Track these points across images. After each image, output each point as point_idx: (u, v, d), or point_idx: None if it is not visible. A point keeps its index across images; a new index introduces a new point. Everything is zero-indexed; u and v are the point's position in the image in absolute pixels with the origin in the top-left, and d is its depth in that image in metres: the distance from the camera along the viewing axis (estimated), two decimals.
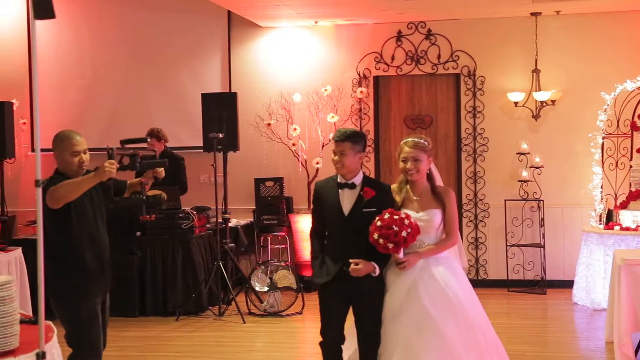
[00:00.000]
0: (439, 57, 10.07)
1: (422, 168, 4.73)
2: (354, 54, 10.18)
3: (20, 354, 3.05)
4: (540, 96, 9.74)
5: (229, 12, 10.09)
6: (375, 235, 4.44)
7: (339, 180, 4.69)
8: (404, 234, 4.43)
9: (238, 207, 10.02)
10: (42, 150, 3.35)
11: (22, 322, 3.24)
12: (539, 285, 9.66)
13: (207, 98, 9.14)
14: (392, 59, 10.14)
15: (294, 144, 9.88)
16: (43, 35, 10.30)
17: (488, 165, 10.02)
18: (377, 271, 4.57)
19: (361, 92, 10.00)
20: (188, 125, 10.13)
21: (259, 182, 9.85)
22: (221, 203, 8.89)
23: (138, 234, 8.68)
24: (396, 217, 4.45)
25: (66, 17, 10.31)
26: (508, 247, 9.84)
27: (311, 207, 5.16)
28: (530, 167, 9.65)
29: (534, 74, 9.79)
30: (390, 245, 4.43)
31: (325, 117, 9.93)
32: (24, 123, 10.25)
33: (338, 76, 10.15)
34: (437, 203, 4.74)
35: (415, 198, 4.76)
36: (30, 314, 4.37)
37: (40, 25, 3.20)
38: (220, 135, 8.60)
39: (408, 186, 4.80)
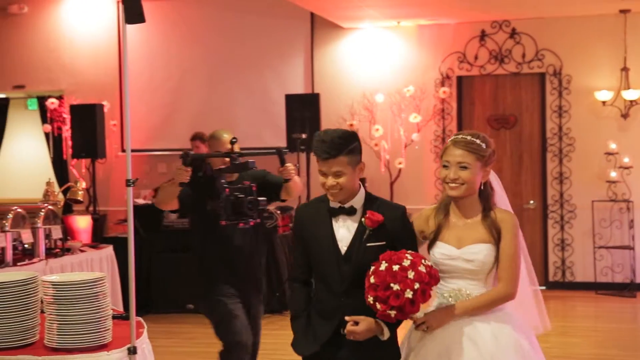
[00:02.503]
0: (523, 56, 9.93)
1: (472, 180, 3.27)
2: (437, 54, 10.12)
3: (112, 349, 3.15)
4: (629, 95, 9.50)
5: (312, 14, 10.17)
6: (370, 299, 3.09)
7: (331, 205, 3.33)
8: (409, 294, 3.02)
9: None
10: (133, 150, 3.47)
11: (114, 317, 3.35)
12: (628, 289, 9.41)
13: (290, 99, 9.24)
14: (476, 58, 10.04)
15: (376, 145, 9.89)
16: (133, 39, 10.57)
17: (574, 166, 9.83)
18: (386, 334, 3.23)
19: (444, 92, 9.94)
20: (272, 126, 10.25)
21: None
22: None
23: None
24: (396, 266, 3.05)
25: (154, 21, 10.56)
26: (596, 249, 9.62)
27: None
28: (619, 167, 9.42)
29: (623, 72, 9.55)
30: (392, 313, 3.06)
31: (408, 117, 9.91)
32: (114, 124, 10.54)
33: (420, 76, 10.11)
34: (489, 234, 3.26)
35: (458, 224, 3.34)
36: (121, 310, 4.51)
37: (130, 29, 3.30)
38: (304, 136, 8.69)
39: (452, 205, 3.38)
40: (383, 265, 3.08)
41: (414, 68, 10.16)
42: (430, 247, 3.37)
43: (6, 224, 5.84)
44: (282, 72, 10.45)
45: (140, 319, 3.53)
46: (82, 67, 10.80)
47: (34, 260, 6.10)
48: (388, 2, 8.85)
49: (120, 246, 7.69)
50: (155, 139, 10.43)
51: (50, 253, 6.41)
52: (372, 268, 3.12)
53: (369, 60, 10.29)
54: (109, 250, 7.35)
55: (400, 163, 9.84)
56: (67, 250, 6.71)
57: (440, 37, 10.12)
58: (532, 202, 9.97)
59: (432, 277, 3.10)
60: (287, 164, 4.73)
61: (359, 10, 9.14)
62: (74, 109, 9.94)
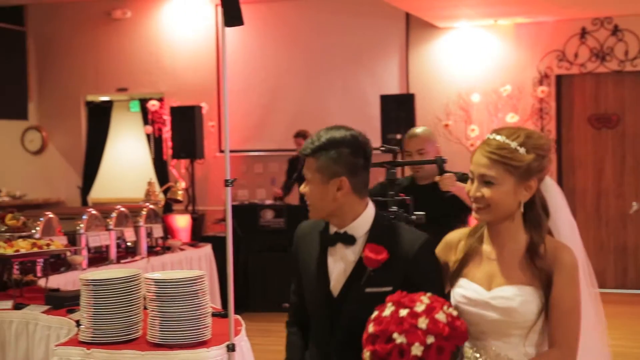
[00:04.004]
0: (626, 53, 9.63)
1: (500, 200, 2.37)
2: (535, 53, 9.92)
3: (212, 346, 3.22)
4: None
5: (407, 14, 10.12)
6: (367, 355, 2.26)
7: (329, 230, 2.61)
8: (417, 350, 2.18)
9: None
10: (230, 151, 3.53)
11: (213, 315, 3.42)
12: None
13: (385, 99, 9.23)
14: (576, 56, 9.80)
15: (472, 145, 9.77)
16: (230, 41, 10.74)
17: None
18: None
19: (542, 91, 9.74)
20: (367, 126, 10.16)
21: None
22: None
23: None
24: (404, 311, 2.22)
25: (251, 23, 10.71)
26: None
27: None
28: None
29: None
30: None
31: (505, 117, 9.75)
32: (212, 126, 10.74)
33: (518, 75, 9.93)
34: (534, 275, 2.37)
35: (491, 257, 2.45)
36: (220, 308, 4.60)
37: (228, 32, 3.37)
38: (399, 136, 8.67)
39: (485, 231, 2.49)
40: (388, 310, 2.21)
41: (511, 67, 9.99)
42: (450, 284, 2.47)
43: (110, 223, 6.03)
44: (377, 72, 10.45)
45: (238, 316, 3.59)
46: (182, 69, 11.05)
47: (136, 258, 6.28)
48: (485, 1, 8.73)
49: (218, 245, 7.85)
50: (252, 140, 10.59)
51: (152, 251, 6.59)
52: (375, 314, 2.26)
53: (465, 59, 10.17)
54: (207, 249, 7.50)
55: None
56: (167, 249, 6.89)
57: (538, 35, 9.92)
58: (635, 204, 9.66)
59: (455, 331, 2.22)
60: (445, 174, 4.24)
61: (455, 9, 9.05)
62: (174, 110, 10.20)
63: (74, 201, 11.45)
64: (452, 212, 4.30)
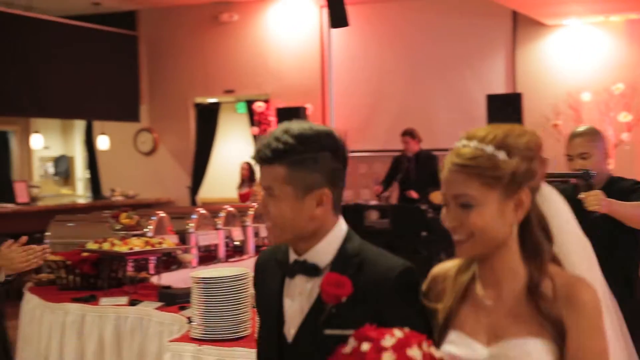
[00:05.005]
0: None
1: (485, 225, 1.79)
2: None
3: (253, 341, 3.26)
4: None
5: (513, 12, 9.96)
6: None
7: (285, 255, 2.04)
8: None
9: None
10: None
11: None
12: None
13: (492, 99, 9.11)
14: None
15: None
16: (334, 42, 10.83)
17: None
18: None
19: None
20: (472, 126, 10.00)
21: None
22: None
23: (424, 233, 8.85)
24: (366, 345, 1.67)
25: (355, 24, 10.74)
26: None
27: None
28: None
29: None
30: None
31: (617, 116, 9.46)
32: None
33: (630, 73, 9.61)
34: (540, 322, 1.79)
35: (486, 301, 1.86)
36: None
37: (332, 33, 3.41)
38: None
39: (477, 267, 1.90)
40: (349, 346, 1.69)
41: (624, 65, 9.68)
42: (438, 339, 1.88)
43: (218, 222, 6.16)
44: (482, 71, 10.31)
45: None
46: (287, 71, 11.19)
47: (244, 257, 6.38)
48: None
49: None
50: (356, 140, 10.62)
51: (259, 250, 6.68)
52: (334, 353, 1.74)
53: (574, 57, 9.92)
54: None
55: (609, 164, 9.41)
56: None
57: None
58: None
59: None
60: (591, 192, 3.52)
61: (564, 6, 8.84)
62: (280, 111, 10.35)
63: (183, 201, 11.77)
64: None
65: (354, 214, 8.85)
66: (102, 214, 6.19)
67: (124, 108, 11.68)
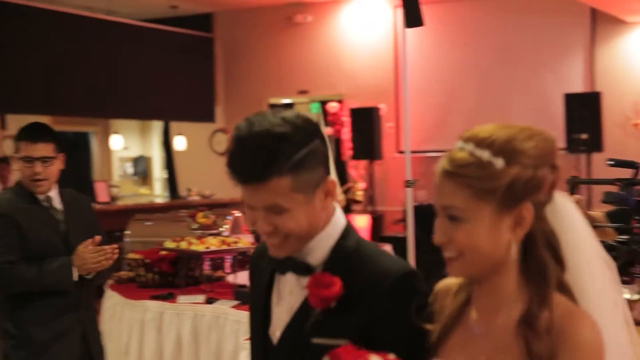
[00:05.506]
0: None
1: (476, 244, 1.52)
2: None
3: None
4: None
5: (591, 9, 9.75)
6: None
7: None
8: None
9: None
10: (411, 152, 3.54)
11: None
12: None
13: (569, 99, 8.95)
14: None
15: None
16: (408, 42, 10.77)
17: None
18: None
19: None
20: (549, 126, 9.68)
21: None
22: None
23: None
24: None
25: (428, 24, 10.68)
26: None
27: None
28: None
29: None
30: None
31: None
32: (391, 127, 10.80)
33: None
34: (523, 354, 1.48)
35: (476, 330, 1.58)
36: None
37: (407, 33, 3.40)
38: (584, 136, 8.38)
39: (474, 289, 1.63)
40: None
41: None
42: None
43: None
44: (559, 70, 10.12)
45: None
46: (360, 71, 11.19)
47: None
48: None
49: (397, 245, 7.89)
50: (429, 140, 10.56)
51: None
52: None
53: None
54: (387, 249, 7.54)
55: None
56: None
57: None
58: None
59: None
60: None
61: None
62: (353, 112, 10.37)
63: None
64: None
65: (428, 214, 8.77)
66: (179, 213, 6.31)
67: (200, 109, 11.87)
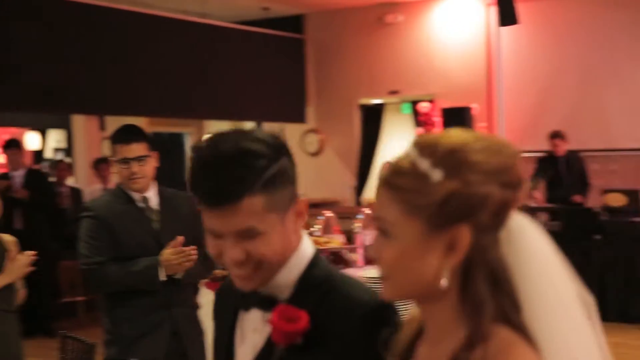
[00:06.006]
0: None
1: (401, 266, 1.33)
2: None
3: None
4: None
5: None
6: None
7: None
8: None
9: None
10: None
11: None
12: None
13: None
14: None
15: None
16: (502, 41, 10.60)
17: None
18: None
19: None
20: None
21: None
22: None
23: (597, 237, 8.50)
24: None
25: (523, 22, 10.49)
26: None
27: None
28: None
29: None
30: None
31: None
32: (483, 127, 10.64)
33: None
34: None
35: (427, 354, 1.38)
36: None
37: (501, 31, 3.34)
38: None
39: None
40: None
41: None
42: None
43: None
44: None
45: None
46: (452, 71, 11.07)
47: None
48: None
49: None
50: (523, 140, 10.36)
51: None
52: None
53: None
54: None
55: None
56: None
57: None
58: None
59: None
60: None
61: None
62: (445, 112, 10.26)
63: (348, 201, 11.90)
64: None
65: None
66: None
67: (291, 110, 11.96)
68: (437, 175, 1.28)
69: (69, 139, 12.36)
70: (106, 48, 9.05)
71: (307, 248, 1.62)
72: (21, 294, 4.12)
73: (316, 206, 9.42)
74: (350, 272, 5.23)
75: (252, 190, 1.46)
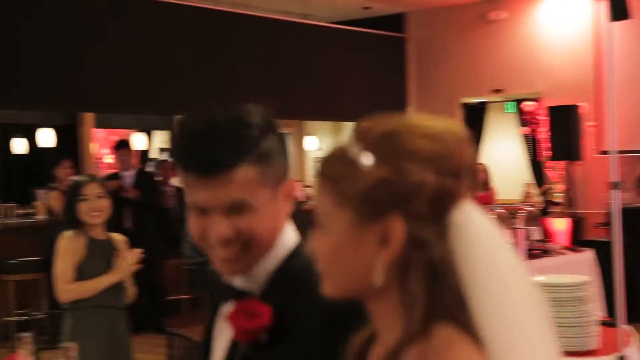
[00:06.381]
0: None
1: (334, 260, 1.21)
2: None
3: (600, 355, 3.10)
4: None
5: None
6: None
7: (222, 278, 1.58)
8: None
9: None
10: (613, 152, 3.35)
11: (602, 324, 3.29)
12: None
13: None
14: None
15: None
16: (608, 37, 10.26)
17: None
18: None
19: None
20: None
21: None
22: None
23: None
24: None
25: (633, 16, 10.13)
26: None
27: None
28: None
29: None
30: None
31: None
32: (591, 126, 10.33)
33: None
34: None
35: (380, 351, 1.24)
36: (605, 316, 4.41)
37: (610, 27, 3.22)
38: None
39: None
40: None
41: None
42: None
43: (517, 223, 6.09)
44: None
45: (628, 326, 3.41)
46: (558, 68, 10.79)
47: None
48: None
49: (599, 250, 7.51)
50: (634, 139, 10.00)
51: (530, 254, 6.51)
52: None
53: None
54: (588, 254, 7.20)
55: None
56: (546, 252, 6.76)
57: None
58: None
59: None
60: None
61: None
62: (552, 110, 10.01)
63: None
64: None
65: (634, 217, 8.34)
66: None
67: (392, 109, 11.70)
68: (366, 160, 1.17)
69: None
70: (213, 50, 9.24)
71: (288, 238, 1.50)
72: (131, 291, 4.22)
73: None
74: None
75: (247, 159, 1.38)
